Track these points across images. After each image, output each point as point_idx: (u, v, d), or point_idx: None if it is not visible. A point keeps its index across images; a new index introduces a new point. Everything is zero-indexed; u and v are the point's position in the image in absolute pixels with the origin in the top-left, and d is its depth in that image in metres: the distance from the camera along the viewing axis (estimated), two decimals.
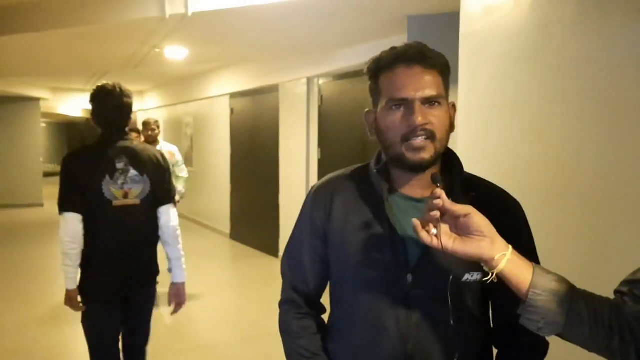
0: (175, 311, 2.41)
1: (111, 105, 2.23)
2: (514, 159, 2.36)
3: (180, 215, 3.05)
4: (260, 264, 6.19)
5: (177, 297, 2.38)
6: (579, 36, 2.04)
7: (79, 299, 2.21)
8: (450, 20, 3.06)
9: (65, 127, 19.97)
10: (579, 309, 0.87)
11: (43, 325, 4.07)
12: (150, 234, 2.32)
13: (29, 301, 4.72)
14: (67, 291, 2.20)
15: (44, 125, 14.14)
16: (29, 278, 5.50)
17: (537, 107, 2.24)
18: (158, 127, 4.96)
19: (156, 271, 2.39)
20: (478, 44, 2.59)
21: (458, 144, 2.70)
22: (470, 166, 2.73)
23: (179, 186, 4.77)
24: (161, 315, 4.34)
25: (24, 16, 4.07)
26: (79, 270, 2.22)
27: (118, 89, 2.24)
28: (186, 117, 9.36)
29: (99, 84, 2.27)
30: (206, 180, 8.43)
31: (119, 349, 2.33)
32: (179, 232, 2.37)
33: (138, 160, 2.25)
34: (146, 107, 11.54)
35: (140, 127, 4.97)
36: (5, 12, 4.12)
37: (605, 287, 0.98)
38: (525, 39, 2.30)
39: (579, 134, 2.04)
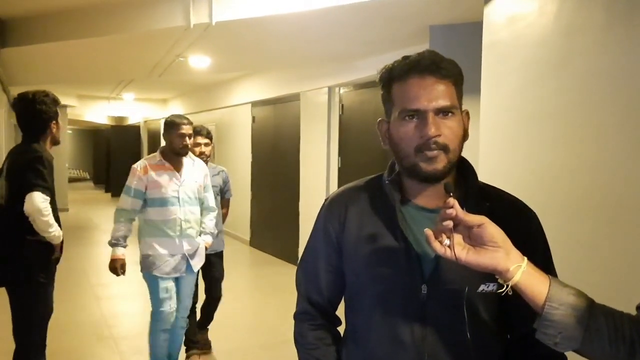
0: None
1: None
2: (539, 169, 2.33)
3: None
4: (279, 271, 6.20)
5: None
6: (605, 45, 2.01)
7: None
8: (473, 30, 3.04)
9: (91, 134, 20.36)
10: (597, 324, 0.84)
11: (68, 329, 4.14)
12: None
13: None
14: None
15: (70, 132, 14.43)
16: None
17: (563, 117, 2.20)
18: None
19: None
20: (502, 53, 2.57)
21: (480, 154, 2.68)
22: (493, 176, 2.70)
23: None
24: None
25: (52, 25, 4.18)
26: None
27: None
28: (208, 125, 9.46)
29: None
30: None
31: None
32: None
33: None
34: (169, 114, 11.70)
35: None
36: (35, 21, 4.24)
37: (631, 303, 0.94)
38: (550, 49, 2.27)
39: (605, 143, 2.00)
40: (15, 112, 2.65)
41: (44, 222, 2.45)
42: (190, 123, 3.11)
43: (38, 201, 2.40)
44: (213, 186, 3.46)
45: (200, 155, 3.52)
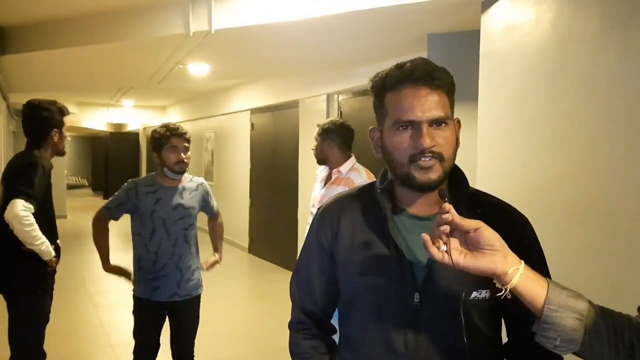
0: None
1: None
2: (536, 176, 2.33)
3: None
4: (278, 278, 6.19)
5: None
6: (601, 52, 2.02)
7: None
8: (471, 39, 3.06)
9: (90, 141, 20.35)
10: (597, 326, 0.83)
11: (65, 335, 4.12)
12: None
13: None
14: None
15: (69, 138, 14.45)
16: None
17: (560, 124, 2.21)
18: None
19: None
20: (499, 62, 2.59)
21: (478, 162, 2.69)
22: (490, 183, 2.70)
23: None
24: None
25: (52, 33, 4.19)
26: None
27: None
28: (207, 131, 9.47)
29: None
30: (226, 194, 8.50)
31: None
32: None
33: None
34: (168, 121, 11.71)
35: None
36: (34, 28, 4.26)
37: (631, 307, 0.95)
38: (547, 57, 2.28)
39: (602, 150, 2.01)
40: (21, 119, 2.67)
41: (24, 232, 2.37)
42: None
43: (18, 208, 2.34)
44: (191, 207, 2.67)
45: (177, 164, 2.61)
